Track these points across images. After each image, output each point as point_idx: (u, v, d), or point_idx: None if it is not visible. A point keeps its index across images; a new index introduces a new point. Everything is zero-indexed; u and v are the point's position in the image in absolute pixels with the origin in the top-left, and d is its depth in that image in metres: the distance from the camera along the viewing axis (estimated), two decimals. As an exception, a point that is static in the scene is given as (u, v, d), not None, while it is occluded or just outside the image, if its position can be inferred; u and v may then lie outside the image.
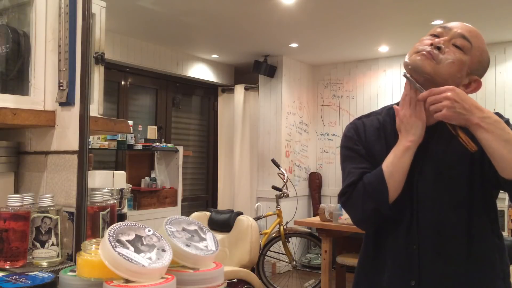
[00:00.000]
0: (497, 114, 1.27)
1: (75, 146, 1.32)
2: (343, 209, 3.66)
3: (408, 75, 1.25)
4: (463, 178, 1.21)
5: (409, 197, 1.25)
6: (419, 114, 1.22)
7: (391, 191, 1.21)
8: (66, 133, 1.35)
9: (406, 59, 1.26)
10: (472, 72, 1.26)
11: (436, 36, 1.26)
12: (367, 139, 1.33)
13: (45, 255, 1.18)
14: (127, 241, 0.85)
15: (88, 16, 1.30)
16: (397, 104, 1.29)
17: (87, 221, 1.24)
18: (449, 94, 1.14)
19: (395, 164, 1.22)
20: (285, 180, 4.75)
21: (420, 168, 1.25)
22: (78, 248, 1.11)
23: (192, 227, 0.97)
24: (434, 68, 1.21)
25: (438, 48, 1.22)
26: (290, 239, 4.75)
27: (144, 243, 0.86)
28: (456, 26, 1.25)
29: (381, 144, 1.30)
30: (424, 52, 1.22)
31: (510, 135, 1.12)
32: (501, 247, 1.26)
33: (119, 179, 1.77)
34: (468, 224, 1.22)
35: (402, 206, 1.25)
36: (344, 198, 1.28)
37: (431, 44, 1.22)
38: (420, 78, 1.22)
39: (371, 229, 1.34)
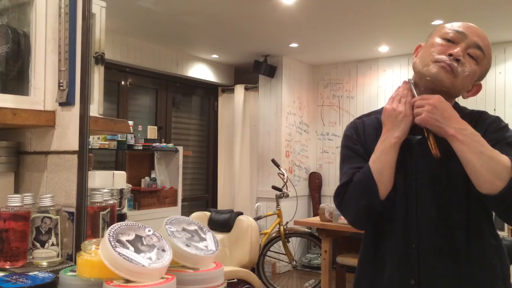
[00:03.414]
0: (497, 118, 1.27)
1: (75, 146, 1.32)
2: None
3: (412, 82, 1.29)
4: (460, 179, 1.21)
5: (408, 197, 1.25)
6: (408, 112, 1.24)
7: (381, 187, 1.22)
8: (66, 133, 1.35)
9: (421, 67, 1.25)
10: (479, 79, 1.28)
11: (450, 41, 1.24)
12: (366, 138, 1.34)
13: (45, 255, 1.17)
14: (127, 241, 0.85)
15: (88, 16, 1.30)
16: None
17: (87, 221, 1.24)
18: (431, 100, 1.18)
19: (381, 160, 1.23)
20: (285, 180, 4.75)
21: (419, 168, 1.25)
22: (78, 248, 1.11)
23: (192, 227, 0.97)
24: (452, 82, 1.22)
25: (457, 60, 1.21)
26: (290, 239, 4.75)
27: (144, 243, 0.86)
28: (470, 32, 1.24)
29: None
30: (444, 65, 1.21)
31: (485, 148, 1.14)
32: (500, 248, 1.27)
33: (119, 179, 1.77)
34: (466, 224, 1.22)
35: (401, 206, 1.25)
36: (338, 199, 1.30)
37: (450, 54, 1.21)
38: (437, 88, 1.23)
39: (367, 228, 1.36)
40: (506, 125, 1.27)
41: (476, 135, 1.16)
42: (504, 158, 1.13)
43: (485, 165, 1.12)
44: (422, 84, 1.26)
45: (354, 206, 1.27)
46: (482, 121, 1.26)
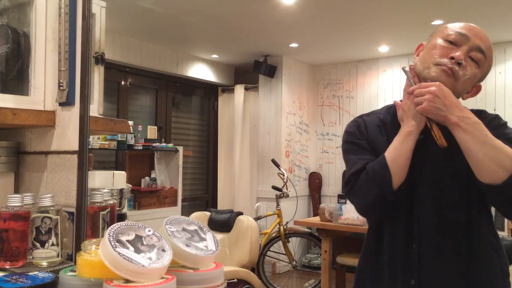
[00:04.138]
0: (496, 116, 1.27)
1: (75, 146, 1.32)
2: (342, 209, 3.68)
3: (406, 69, 1.28)
4: (461, 178, 1.21)
5: (409, 197, 1.25)
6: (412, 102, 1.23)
7: (395, 177, 1.20)
8: (66, 133, 1.35)
9: (422, 70, 1.25)
10: (479, 81, 1.28)
11: (452, 43, 1.23)
12: (369, 134, 1.33)
13: (45, 255, 1.17)
14: (127, 241, 0.85)
15: (88, 16, 1.30)
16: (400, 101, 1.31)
17: (87, 221, 1.24)
18: (432, 89, 1.16)
19: (397, 149, 1.22)
20: (285, 180, 4.75)
21: (420, 167, 1.25)
22: (78, 248, 1.11)
23: (192, 227, 0.97)
24: (452, 85, 1.21)
25: (459, 64, 1.21)
26: (290, 239, 4.75)
27: (144, 243, 0.86)
28: (473, 34, 1.23)
29: (383, 139, 1.30)
30: (445, 68, 1.21)
31: (488, 137, 1.12)
32: (498, 246, 1.27)
33: (119, 179, 1.77)
34: (466, 223, 1.22)
35: (403, 205, 1.25)
36: (349, 186, 1.27)
37: (452, 58, 1.21)
38: None
39: (376, 218, 1.33)
40: (506, 123, 1.27)
41: (479, 123, 1.14)
42: (508, 149, 1.12)
43: (488, 154, 1.10)
44: None
45: (366, 195, 1.24)
46: (482, 119, 1.25)
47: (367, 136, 1.33)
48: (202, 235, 0.96)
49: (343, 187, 1.31)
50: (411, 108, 1.23)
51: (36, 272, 0.98)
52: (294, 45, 5.13)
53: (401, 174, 1.21)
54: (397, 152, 1.22)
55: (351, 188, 1.27)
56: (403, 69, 1.29)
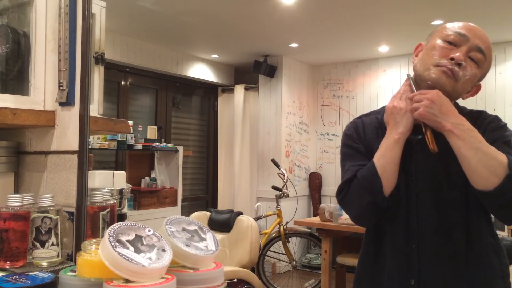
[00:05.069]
0: (496, 118, 1.27)
1: (75, 146, 1.32)
2: (342, 209, 3.67)
3: (411, 76, 1.29)
4: (460, 178, 1.21)
5: (409, 197, 1.25)
6: (409, 108, 1.24)
7: (385, 183, 1.22)
8: (66, 133, 1.35)
9: (422, 71, 1.25)
10: (479, 80, 1.28)
11: (451, 43, 1.23)
12: (367, 136, 1.34)
13: (45, 255, 1.17)
14: (127, 241, 0.85)
15: (88, 16, 1.30)
16: None
17: (87, 221, 1.24)
18: (430, 95, 1.18)
19: (386, 156, 1.23)
20: (285, 180, 4.75)
21: (419, 167, 1.25)
22: (78, 248, 1.11)
23: (192, 227, 0.97)
24: (453, 86, 1.22)
25: (458, 65, 1.21)
26: (290, 239, 4.75)
27: (144, 243, 0.86)
28: (472, 34, 1.23)
29: (380, 142, 1.30)
30: (445, 69, 1.21)
31: (481, 144, 1.14)
32: (498, 247, 1.27)
33: (119, 179, 1.77)
34: (466, 223, 1.23)
35: (402, 206, 1.25)
36: (341, 195, 1.29)
37: (451, 58, 1.21)
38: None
39: (369, 225, 1.35)
40: (505, 125, 1.27)
41: (473, 130, 1.16)
42: (501, 155, 1.13)
43: (481, 161, 1.12)
44: (423, 86, 1.26)
45: (358, 202, 1.25)
46: (481, 120, 1.26)
47: (364, 139, 1.34)
48: (202, 235, 0.96)
49: (336, 196, 1.32)
50: (401, 113, 1.24)
51: (36, 272, 0.98)
52: (294, 45, 5.13)
53: (391, 180, 1.23)
54: (386, 160, 1.23)
55: (344, 196, 1.28)
56: (408, 75, 1.30)
